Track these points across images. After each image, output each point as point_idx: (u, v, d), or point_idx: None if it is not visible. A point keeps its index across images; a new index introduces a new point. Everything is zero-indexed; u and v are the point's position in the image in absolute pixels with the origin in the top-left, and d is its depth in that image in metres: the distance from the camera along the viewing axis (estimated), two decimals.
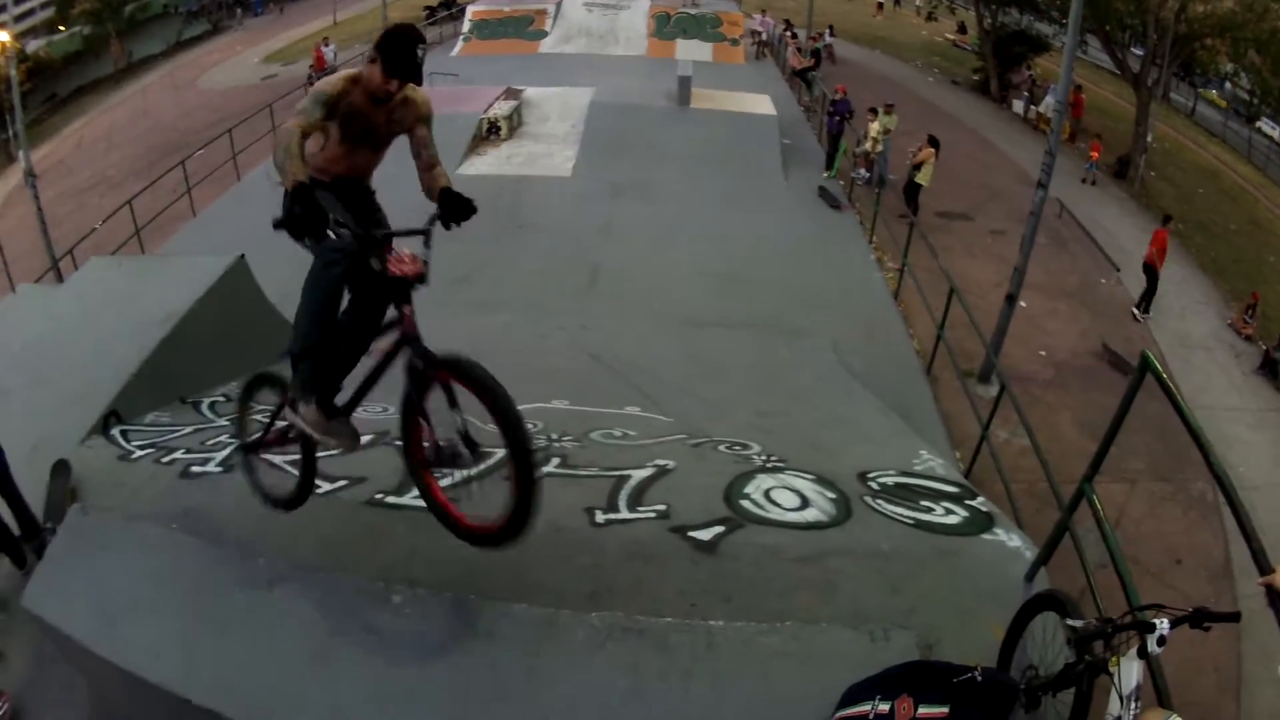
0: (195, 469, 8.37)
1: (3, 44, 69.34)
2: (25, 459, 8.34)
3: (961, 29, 61.94)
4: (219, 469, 8.35)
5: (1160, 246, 23.26)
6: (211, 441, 9.02)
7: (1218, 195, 38.64)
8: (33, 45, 77.48)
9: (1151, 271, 23.39)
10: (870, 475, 8.92)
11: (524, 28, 45.83)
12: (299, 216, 5.69)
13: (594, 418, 10.78)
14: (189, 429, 9.61)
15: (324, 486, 7.65)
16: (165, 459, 8.63)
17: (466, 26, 46.65)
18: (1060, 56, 46.64)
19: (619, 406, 11.47)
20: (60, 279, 21.20)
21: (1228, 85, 59.50)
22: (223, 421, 9.82)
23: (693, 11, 45.69)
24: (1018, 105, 45.70)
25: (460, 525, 6.28)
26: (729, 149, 26.44)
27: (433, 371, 6.12)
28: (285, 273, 12.07)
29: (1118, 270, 26.53)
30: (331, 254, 6.14)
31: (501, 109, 28.96)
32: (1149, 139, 37.47)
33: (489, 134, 28.21)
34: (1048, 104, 41.42)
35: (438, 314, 15.98)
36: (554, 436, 9.73)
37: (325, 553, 7.16)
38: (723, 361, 14.79)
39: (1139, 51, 39.30)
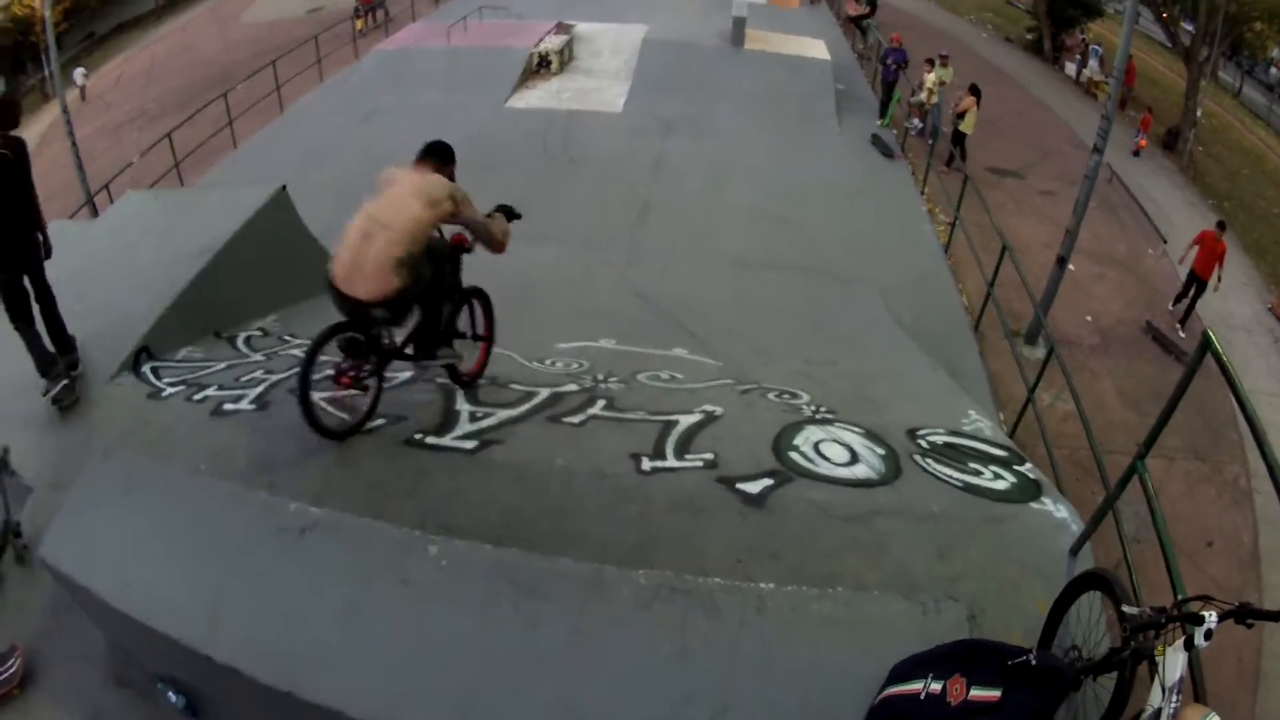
0: (228, 406, 8.29)
1: None
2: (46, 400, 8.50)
3: None
4: (252, 406, 8.29)
5: (1210, 251, 21.13)
6: (246, 378, 8.99)
7: (1262, 178, 38.18)
8: None
9: (1196, 280, 21.50)
10: (919, 433, 8.81)
11: None
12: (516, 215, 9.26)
13: (641, 358, 10.77)
14: (223, 365, 9.52)
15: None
16: (197, 396, 8.55)
17: None
18: (1113, 23, 46.43)
19: (666, 347, 11.49)
20: (95, 215, 20.96)
21: (1274, 70, 59.19)
22: (258, 356, 9.84)
23: None
24: (1070, 68, 45.16)
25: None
26: (783, 92, 26.28)
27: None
28: (330, 203, 12.13)
29: (1165, 242, 26.13)
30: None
31: (552, 43, 28.83)
32: (1199, 114, 37.21)
33: (539, 68, 28.13)
34: (1093, 68, 41.23)
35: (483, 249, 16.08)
36: (600, 376, 9.68)
37: (363, 494, 7.06)
38: (771, 304, 14.85)
39: (1190, 27, 39.00)
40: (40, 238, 8.82)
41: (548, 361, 10.23)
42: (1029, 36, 49.87)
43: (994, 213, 18.30)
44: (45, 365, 8.82)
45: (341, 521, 6.56)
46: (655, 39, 29.39)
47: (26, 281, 8.68)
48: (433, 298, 8.20)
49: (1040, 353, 16.97)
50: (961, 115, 26.01)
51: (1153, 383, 18.81)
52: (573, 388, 9.02)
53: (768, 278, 16.21)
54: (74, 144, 25.18)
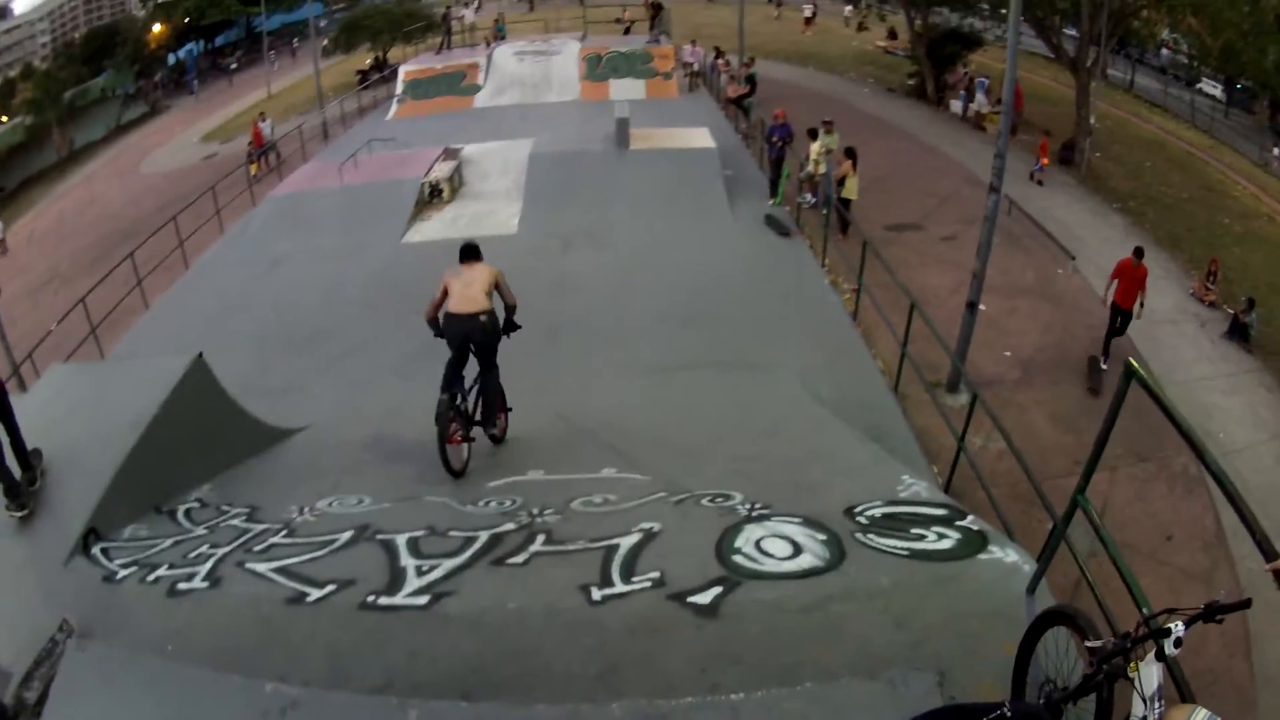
0: (181, 586, 8.13)
1: None
2: (12, 582, 8.47)
3: (892, 35, 62.18)
4: (205, 584, 8.14)
5: (1131, 280, 20.74)
6: (194, 554, 8.84)
7: (1166, 165, 39.09)
8: None
9: (1120, 312, 21.07)
10: (857, 510, 8.86)
11: (457, 84, 46.49)
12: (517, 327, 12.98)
13: (572, 485, 10.68)
14: (168, 541, 9.33)
15: (313, 594, 7.66)
16: (149, 577, 8.36)
17: (400, 88, 47.28)
18: (994, 50, 46.99)
19: (595, 470, 11.41)
20: (23, 386, 20.56)
21: (1164, 51, 60.09)
22: (201, 530, 9.68)
23: (623, 50, 46.31)
24: (955, 106, 45.89)
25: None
26: (673, 187, 26.54)
27: None
28: (247, 355, 12.13)
29: (1073, 259, 26.76)
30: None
31: (442, 171, 29.27)
32: (1091, 120, 37.65)
33: (431, 198, 28.46)
34: (980, 101, 41.75)
35: (404, 388, 16.43)
36: (534, 511, 9.59)
37: (328, 664, 7.03)
38: (692, 405, 14.85)
39: (1074, 33, 39.50)
40: None
41: (480, 503, 10.25)
42: (910, 82, 50.45)
43: (898, 268, 18.82)
44: (10, 487, 9.33)
45: (321, 697, 6.60)
46: (542, 153, 29.69)
47: None
48: (492, 357, 13.10)
49: (964, 399, 17.26)
50: (841, 182, 26.08)
51: (1080, 401, 19.22)
52: (510, 526, 9.07)
53: (684, 379, 16.36)
54: None
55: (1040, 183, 33.17)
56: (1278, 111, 56.35)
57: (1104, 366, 20.47)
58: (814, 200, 27.38)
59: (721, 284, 20.95)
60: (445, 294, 12.47)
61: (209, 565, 8.46)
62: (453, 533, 8.91)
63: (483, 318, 12.33)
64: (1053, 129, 38.11)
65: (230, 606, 7.72)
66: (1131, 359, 6.04)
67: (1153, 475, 17.01)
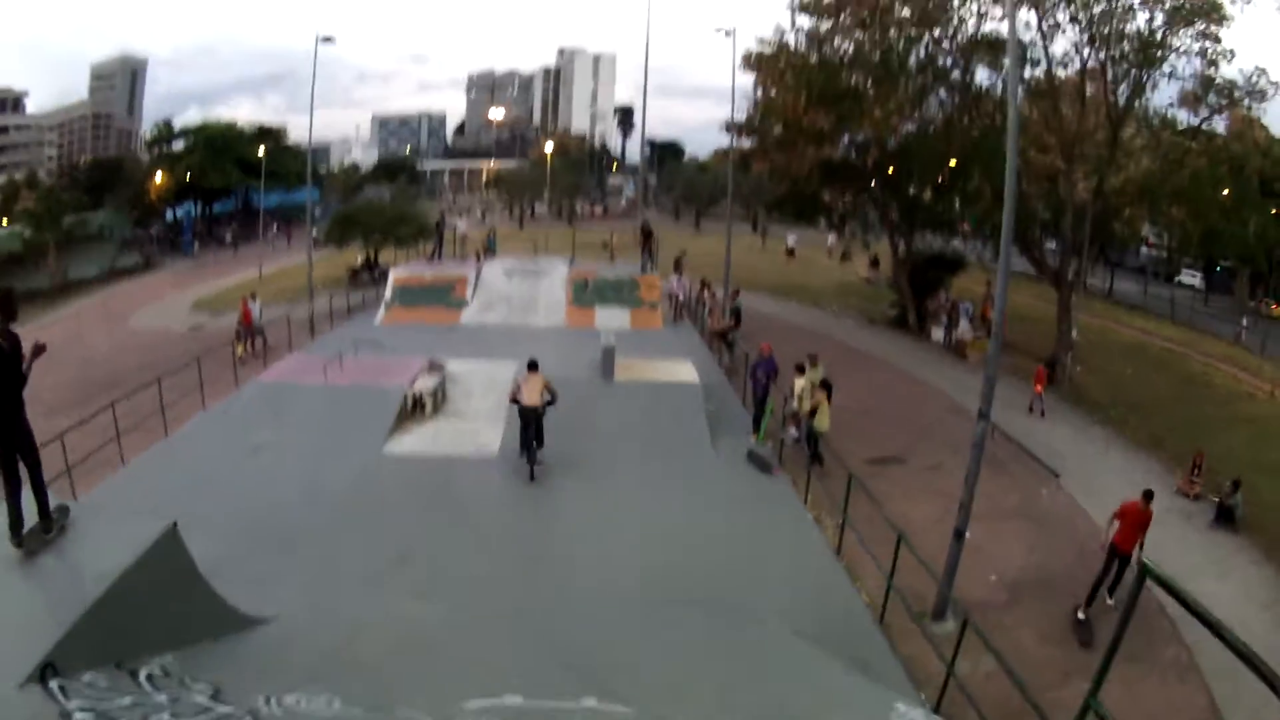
0: None
1: None
2: None
3: (874, 263, 64.02)
4: None
5: (1135, 523, 19.83)
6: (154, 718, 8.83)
7: (1147, 368, 40.38)
8: None
9: (1118, 556, 19.97)
10: None
11: (446, 295, 46.81)
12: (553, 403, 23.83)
13: (550, 715, 10.51)
14: (127, 699, 9.25)
15: None
16: None
17: (389, 294, 47.49)
18: (975, 273, 47.76)
19: (575, 699, 10.98)
20: None
21: (1144, 250, 61.33)
22: (162, 698, 9.55)
23: (610, 277, 46.98)
24: (937, 334, 46.71)
25: None
26: (656, 422, 26.90)
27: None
28: (222, 538, 12.10)
29: (1056, 476, 26.98)
30: None
31: (426, 383, 29.42)
32: (1074, 334, 38.24)
33: (414, 410, 28.54)
34: (964, 328, 42.34)
35: (381, 599, 16.54)
36: None
37: None
38: (673, 642, 14.57)
39: (1053, 246, 40.22)
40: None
41: None
42: (892, 313, 51.40)
43: (882, 502, 19.08)
44: (15, 523, 10.79)
45: None
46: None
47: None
48: (542, 424, 23.79)
49: (950, 625, 17.18)
50: (813, 413, 26.18)
51: (1066, 617, 19.18)
52: None
53: (665, 613, 16.18)
54: None
55: (1043, 414, 33.23)
56: (1257, 285, 57.58)
57: (1081, 617, 19.44)
58: (797, 436, 27.59)
59: (701, 522, 21.05)
60: (517, 388, 24.11)
61: None
62: None
63: (540, 408, 23.69)
64: (1034, 348, 38.84)
65: None
66: (1146, 560, 6.15)
67: (1144, 674, 16.92)
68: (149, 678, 9.93)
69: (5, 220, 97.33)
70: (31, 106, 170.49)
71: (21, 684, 8.60)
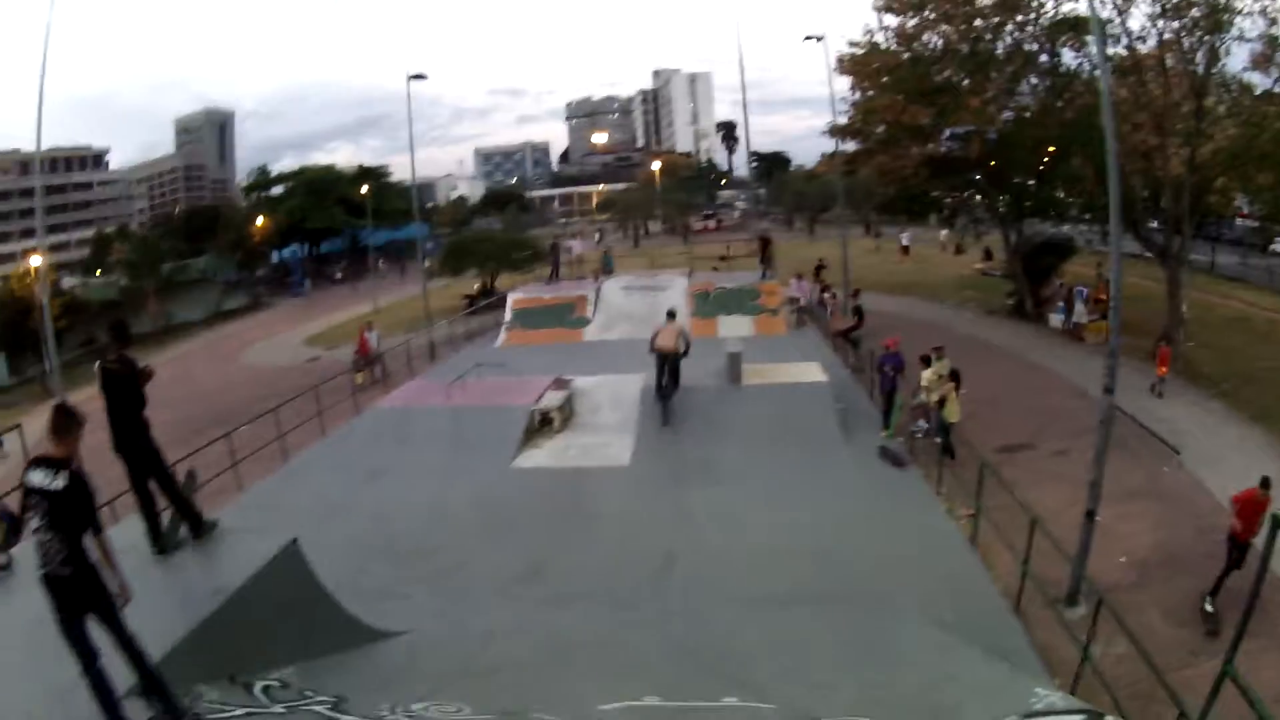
0: None
1: (34, 269, 71.36)
2: (60, 697, 8.58)
3: (987, 255, 64.06)
4: None
5: (1255, 512, 18.98)
6: None
7: (1255, 341, 39.70)
8: (68, 282, 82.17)
9: (1239, 546, 19.28)
10: None
11: (566, 315, 47.21)
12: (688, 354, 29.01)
13: (690, 714, 10.46)
14: (239, 710, 9.38)
15: None
16: None
17: (509, 316, 47.89)
18: (1086, 258, 47.47)
19: (715, 698, 11.10)
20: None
21: (1238, 222, 60.53)
22: (278, 709, 9.69)
23: (730, 286, 46.89)
24: (1054, 319, 46.34)
25: None
26: (786, 422, 26.73)
27: None
28: (345, 559, 12.52)
29: (1177, 453, 26.81)
30: None
31: (552, 399, 29.51)
32: (1184, 309, 38.19)
33: (542, 425, 28.66)
34: (1080, 312, 42.31)
35: (514, 609, 16.63)
36: None
37: None
38: (812, 639, 14.69)
39: (1156, 225, 39.92)
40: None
41: None
42: (1010, 302, 51.17)
43: (1013, 488, 18.78)
44: (155, 536, 11.99)
45: None
46: (654, 388, 29.82)
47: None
48: (679, 370, 28.67)
49: (1081, 610, 17.18)
50: (942, 403, 26.33)
51: (1191, 596, 18.86)
52: None
53: (803, 613, 16.11)
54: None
55: (1160, 395, 32.69)
56: None
57: (1209, 609, 18.62)
58: (927, 428, 27.57)
59: (836, 517, 20.94)
60: (655, 336, 28.64)
61: None
62: None
63: (675, 352, 28.13)
64: (1145, 327, 38.44)
65: None
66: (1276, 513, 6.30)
67: (1265, 647, 16.34)
68: (265, 689, 10.22)
69: (99, 272, 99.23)
70: (114, 163, 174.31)
71: (122, 696, 8.50)
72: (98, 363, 12.22)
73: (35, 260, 74.98)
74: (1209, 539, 20.60)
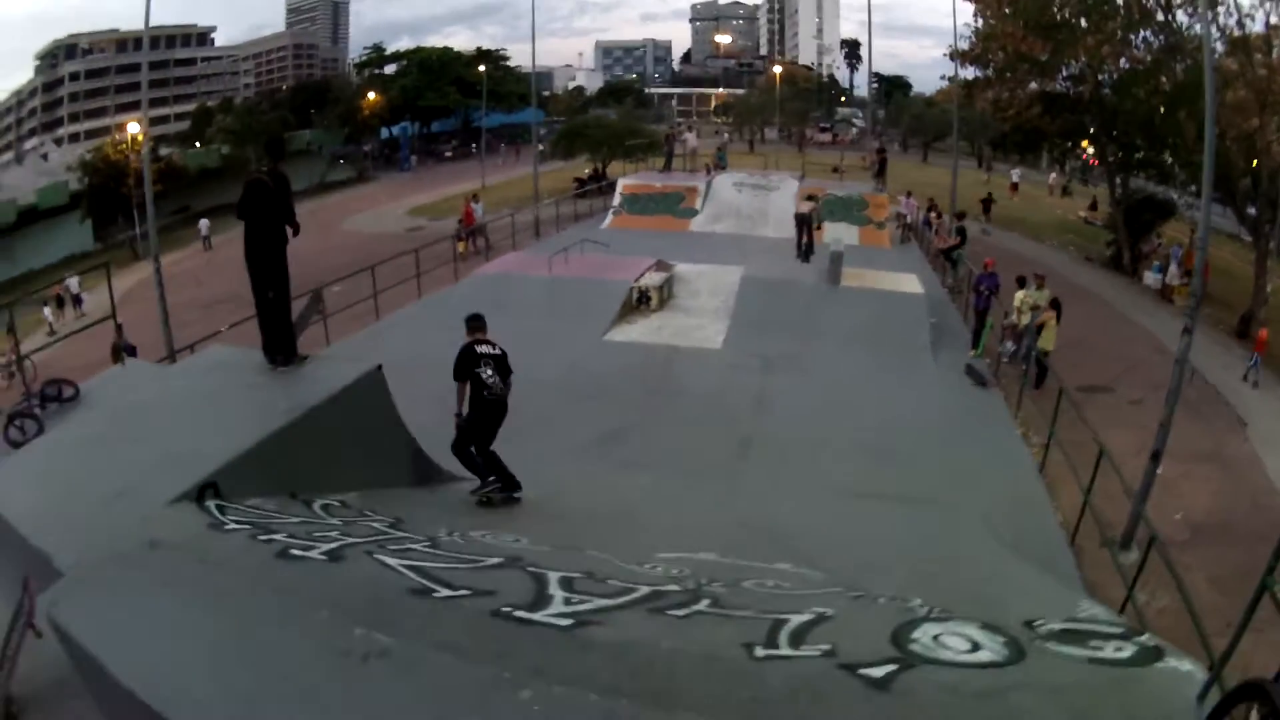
0: (295, 552, 7.92)
1: (135, 137, 72.59)
2: (106, 503, 8.67)
3: (1093, 206, 64.28)
4: (324, 557, 7.95)
5: None
6: (319, 534, 8.71)
7: None
8: (165, 151, 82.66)
9: None
10: (1036, 623, 8.52)
11: (675, 204, 47.48)
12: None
13: (744, 570, 10.33)
14: (295, 519, 9.31)
15: (443, 592, 7.38)
16: (262, 537, 8.26)
17: (617, 200, 48.55)
18: (1186, 222, 47.42)
19: (769, 562, 11.08)
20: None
21: None
22: (335, 521, 9.65)
23: (840, 193, 46.95)
24: (1149, 278, 46.47)
25: None
26: (878, 327, 27.09)
27: None
28: (427, 409, 13.04)
29: (1245, 425, 27.12)
30: None
31: (652, 279, 30.09)
32: (1268, 290, 38.19)
33: (639, 303, 29.29)
34: (1172, 273, 42.60)
35: (588, 468, 17.30)
36: (703, 581, 9.27)
37: (434, 651, 6.34)
38: (875, 532, 15.02)
39: (1253, 210, 39.75)
40: (294, 227, 13.23)
41: (647, 566, 9.93)
42: (1108, 252, 51.50)
43: (1088, 425, 18.91)
44: (269, 350, 12.92)
45: (416, 654, 6.15)
46: (754, 277, 30.40)
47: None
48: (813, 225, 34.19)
49: (1133, 557, 17.43)
50: (1040, 330, 26.34)
51: (1239, 566, 18.64)
52: (675, 588, 8.71)
53: (870, 505, 16.68)
54: (162, 296, 28.36)
55: (1256, 384, 31.81)
56: None
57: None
58: (1014, 349, 27.92)
59: (916, 424, 21.27)
60: (800, 204, 32.64)
61: (333, 545, 8.35)
62: (611, 581, 8.59)
63: (810, 217, 32.88)
64: (1234, 302, 39.05)
65: (345, 580, 7.51)
66: None
67: None
68: (325, 507, 10.24)
69: (198, 144, 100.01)
70: (221, 40, 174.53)
71: (172, 500, 8.80)
72: (248, 176, 12.73)
73: (134, 128, 75.88)
74: (1261, 514, 21.14)
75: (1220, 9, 37.07)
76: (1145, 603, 15.27)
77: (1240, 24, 36.97)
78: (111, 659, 5.91)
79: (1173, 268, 44.24)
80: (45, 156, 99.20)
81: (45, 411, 13.19)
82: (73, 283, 49.71)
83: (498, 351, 14.33)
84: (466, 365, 13.60)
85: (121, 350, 26.67)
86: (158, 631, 6.32)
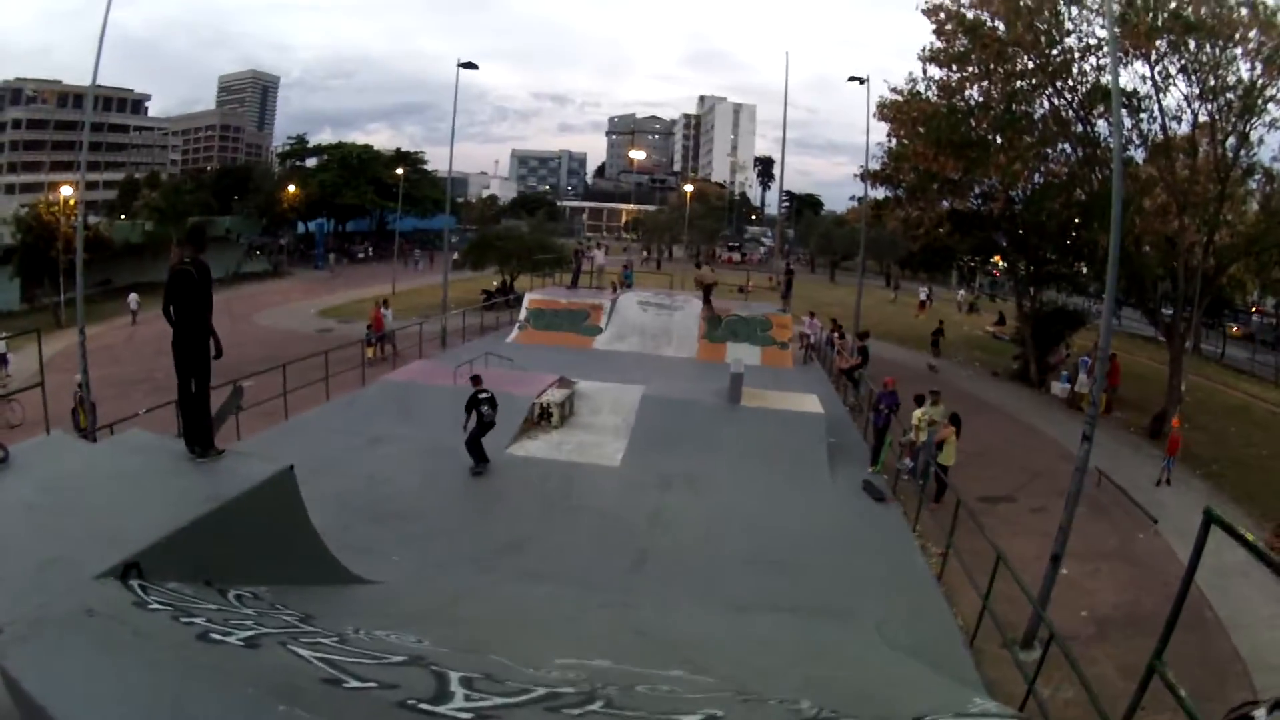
0: (215, 635, 7.98)
1: (67, 200, 72.41)
2: (38, 569, 8.64)
3: (1000, 320, 65.71)
4: (241, 643, 7.95)
5: None
6: (236, 622, 8.72)
7: (1250, 428, 40.60)
8: (92, 220, 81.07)
9: None
10: (926, 718, 8.86)
11: (580, 321, 47.75)
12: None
13: (638, 675, 10.34)
14: (213, 606, 9.31)
15: (352, 683, 7.39)
16: (184, 619, 8.32)
17: (523, 314, 48.48)
18: (1098, 330, 48.37)
19: (664, 669, 11.05)
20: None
21: (1255, 317, 61.25)
22: (249, 611, 9.65)
23: (744, 314, 47.35)
24: (1056, 388, 47.12)
25: None
26: (777, 445, 27.32)
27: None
28: (331, 512, 12.85)
29: (1155, 522, 27.18)
30: None
31: (554, 396, 30.25)
32: (1183, 389, 38.59)
33: (541, 419, 29.45)
34: (1082, 381, 42.86)
35: (488, 577, 17.07)
36: (597, 685, 9.18)
37: None
38: (769, 641, 15.00)
39: (1168, 312, 40.37)
40: (212, 342, 13.15)
41: (543, 670, 9.86)
42: (1014, 365, 52.15)
43: (988, 535, 18.99)
44: (188, 439, 12.95)
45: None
46: (654, 396, 30.58)
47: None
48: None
49: (1036, 654, 17.34)
50: (940, 446, 26.75)
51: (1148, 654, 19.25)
52: (570, 690, 8.77)
53: (765, 618, 16.55)
54: (85, 370, 27.99)
55: (1168, 483, 31.86)
56: None
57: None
58: (912, 466, 28.08)
59: (811, 538, 21.60)
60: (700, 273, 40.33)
61: (249, 633, 8.39)
62: (510, 682, 8.52)
63: (713, 284, 42.01)
64: (1147, 406, 39.53)
65: (261, 665, 7.60)
66: (1210, 506, 6.74)
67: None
68: (238, 597, 10.20)
69: (123, 216, 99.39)
70: (154, 110, 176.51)
71: (98, 575, 8.83)
72: (172, 265, 12.95)
73: (67, 191, 76.03)
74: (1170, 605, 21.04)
75: (1143, 115, 38.02)
76: (1049, 696, 15.27)
77: (1164, 128, 37.72)
78: (60, 711, 5.87)
79: (1081, 376, 44.66)
80: None
81: None
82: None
83: (488, 394, 25.69)
84: (472, 404, 25.40)
85: (85, 406, 28.41)
86: (103, 693, 6.26)
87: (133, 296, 68.38)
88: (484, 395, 25.39)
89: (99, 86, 30.43)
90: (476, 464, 24.97)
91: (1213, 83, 35.86)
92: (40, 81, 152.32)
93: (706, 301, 45.74)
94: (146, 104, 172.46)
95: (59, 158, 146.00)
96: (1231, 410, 44.86)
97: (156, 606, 8.52)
